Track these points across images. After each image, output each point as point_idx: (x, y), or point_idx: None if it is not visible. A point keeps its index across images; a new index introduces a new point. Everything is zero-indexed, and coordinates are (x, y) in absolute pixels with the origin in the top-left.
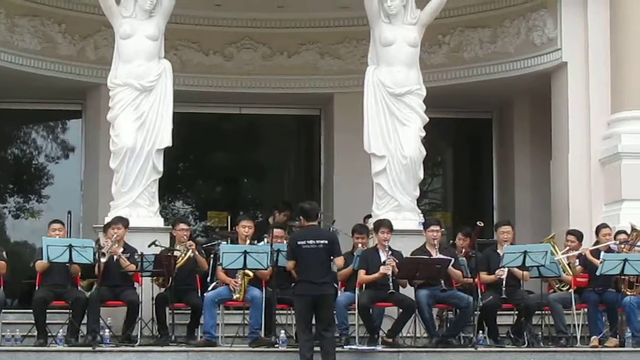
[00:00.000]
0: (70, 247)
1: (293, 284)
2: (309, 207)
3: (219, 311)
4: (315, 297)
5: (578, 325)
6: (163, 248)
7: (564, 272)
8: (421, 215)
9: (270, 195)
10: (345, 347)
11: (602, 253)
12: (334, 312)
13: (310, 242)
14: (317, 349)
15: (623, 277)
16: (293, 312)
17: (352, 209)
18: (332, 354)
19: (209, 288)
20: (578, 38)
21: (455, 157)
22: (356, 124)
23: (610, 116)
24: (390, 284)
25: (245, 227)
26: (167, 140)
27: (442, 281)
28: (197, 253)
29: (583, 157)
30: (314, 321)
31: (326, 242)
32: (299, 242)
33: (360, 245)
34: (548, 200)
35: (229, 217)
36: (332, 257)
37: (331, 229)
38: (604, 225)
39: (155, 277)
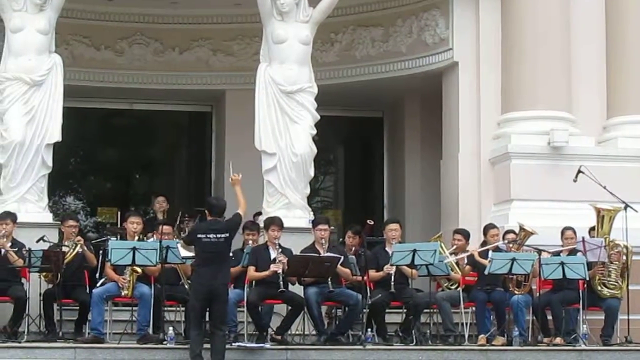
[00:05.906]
0: None
1: (186, 279)
2: (215, 203)
3: (107, 307)
4: (211, 292)
5: (466, 323)
6: (51, 244)
7: (452, 271)
8: (311, 213)
9: (162, 192)
10: (233, 344)
11: (491, 252)
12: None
13: (211, 235)
14: (207, 345)
15: (511, 276)
16: (182, 309)
17: None
18: (221, 352)
19: (98, 284)
20: (470, 38)
21: (347, 155)
22: (248, 121)
23: (500, 116)
24: (280, 282)
25: (134, 224)
26: (56, 135)
27: (330, 281)
28: (85, 249)
29: (473, 157)
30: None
31: (227, 235)
32: (199, 235)
33: (250, 242)
34: (438, 199)
35: (119, 213)
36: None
37: None
38: (492, 226)
39: (43, 273)
